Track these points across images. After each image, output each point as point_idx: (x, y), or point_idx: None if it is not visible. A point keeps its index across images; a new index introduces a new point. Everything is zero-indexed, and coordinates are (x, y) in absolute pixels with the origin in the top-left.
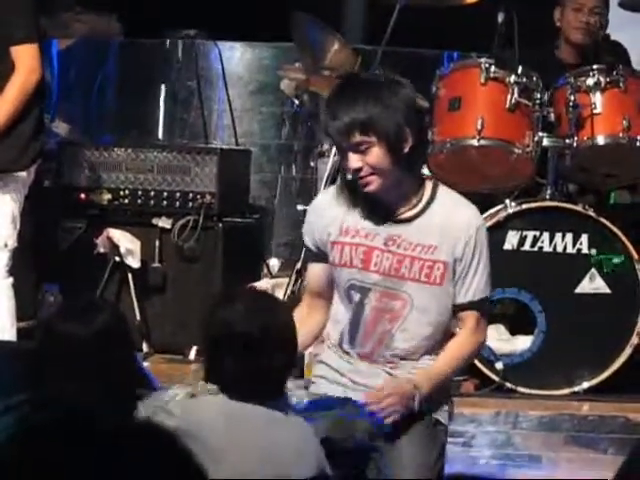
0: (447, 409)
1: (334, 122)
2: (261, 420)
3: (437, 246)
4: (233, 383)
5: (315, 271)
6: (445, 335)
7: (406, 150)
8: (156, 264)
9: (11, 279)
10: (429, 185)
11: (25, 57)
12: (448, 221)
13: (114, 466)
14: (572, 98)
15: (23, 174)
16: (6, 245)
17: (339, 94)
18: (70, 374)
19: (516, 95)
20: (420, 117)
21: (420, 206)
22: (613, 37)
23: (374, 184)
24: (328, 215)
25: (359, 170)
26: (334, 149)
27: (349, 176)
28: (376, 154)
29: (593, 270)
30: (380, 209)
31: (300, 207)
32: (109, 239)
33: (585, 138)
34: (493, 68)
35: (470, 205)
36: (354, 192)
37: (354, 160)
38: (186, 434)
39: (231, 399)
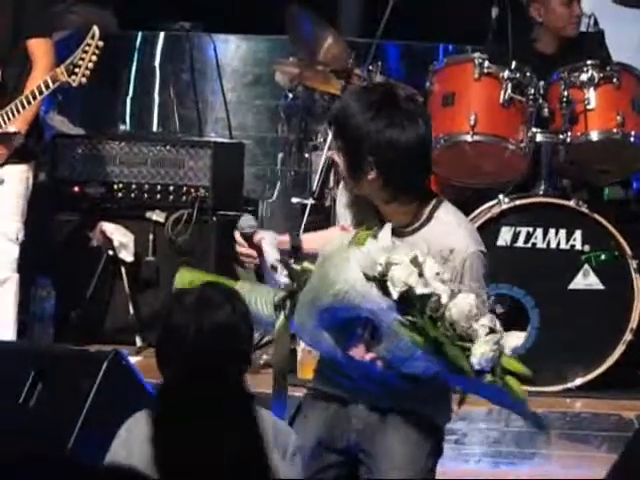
0: (445, 410)
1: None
2: None
3: None
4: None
5: None
6: None
7: (369, 178)
8: (150, 258)
9: (18, 274)
10: (431, 203)
11: (43, 53)
12: (438, 243)
13: None
14: (566, 94)
15: (30, 166)
16: (17, 238)
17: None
18: None
19: (509, 90)
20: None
21: (416, 224)
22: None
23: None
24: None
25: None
26: (328, 142)
27: None
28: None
29: (586, 266)
30: (380, 218)
31: (294, 200)
32: (103, 233)
33: (579, 134)
34: (487, 63)
35: (467, 229)
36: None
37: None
38: None
39: None
